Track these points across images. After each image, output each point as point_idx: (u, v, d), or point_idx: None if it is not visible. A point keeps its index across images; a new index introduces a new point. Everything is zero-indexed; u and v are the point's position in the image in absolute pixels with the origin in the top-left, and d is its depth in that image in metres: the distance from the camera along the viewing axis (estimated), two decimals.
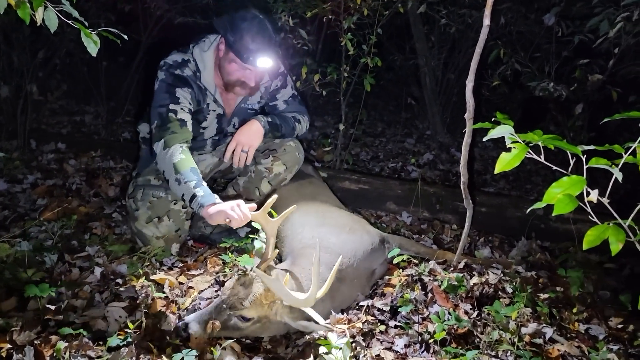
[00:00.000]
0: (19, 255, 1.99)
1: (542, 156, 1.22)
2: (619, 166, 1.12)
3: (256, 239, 1.88)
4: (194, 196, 1.89)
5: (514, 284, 2.00)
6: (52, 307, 1.73)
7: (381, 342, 1.70)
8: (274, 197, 1.79)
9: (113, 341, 1.56)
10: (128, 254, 2.25)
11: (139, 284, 1.99)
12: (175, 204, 2.29)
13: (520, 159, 1.18)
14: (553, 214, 1.08)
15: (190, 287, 2.03)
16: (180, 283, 2.05)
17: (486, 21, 1.68)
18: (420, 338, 1.70)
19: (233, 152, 2.33)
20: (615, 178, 1.10)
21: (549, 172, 3.62)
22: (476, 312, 1.83)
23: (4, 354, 1.48)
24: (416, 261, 2.21)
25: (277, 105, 2.54)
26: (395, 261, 2.12)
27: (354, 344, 1.63)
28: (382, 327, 1.76)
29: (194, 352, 1.54)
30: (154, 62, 2.33)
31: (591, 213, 1.15)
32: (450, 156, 4.02)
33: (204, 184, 1.93)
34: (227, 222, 1.77)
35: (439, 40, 4.16)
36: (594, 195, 1.11)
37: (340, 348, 1.51)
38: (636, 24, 2.50)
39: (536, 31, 3.25)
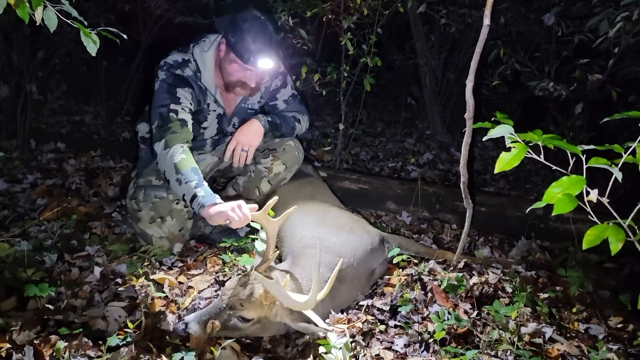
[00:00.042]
0: (19, 254, 1.99)
1: (541, 156, 1.22)
2: (619, 166, 1.12)
3: (256, 239, 1.88)
4: (194, 196, 1.88)
5: (514, 283, 2.01)
6: (52, 307, 1.73)
7: (381, 342, 1.70)
8: (275, 198, 1.79)
9: (113, 341, 1.56)
10: (128, 253, 2.25)
11: (138, 284, 1.99)
12: (177, 203, 2.29)
13: (520, 158, 1.18)
14: (553, 214, 1.08)
15: (190, 287, 2.03)
16: (180, 283, 2.05)
17: (486, 21, 1.68)
18: (420, 338, 1.70)
19: (233, 151, 2.33)
20: (615, 178, 1.11)
21: (548, 172, 3.61)
22: (476, 312, 1.83)
23: (3, 354, 1.48)
24: (416, 261, 2.21)
25: (277, 104, 2.54)
26: (395, 261, 2.12)
27: (353, 344, 1.63)
28: (382, 327, 1.76)
29: (194, 352, 1.54)
30: (153, 61, 2.33)
31: (591, 213, 1.15)
32: (450, 156, 4.02)
33: (205, 184, 1.93)
34: (228, 223, 1.77)
35: (438, 40, 4.16)
36: (593, 195, 1.11)
37: (340, 348, 1.51)
38: (636, 23, 2.50)
39: (536, 31, 3.24)
